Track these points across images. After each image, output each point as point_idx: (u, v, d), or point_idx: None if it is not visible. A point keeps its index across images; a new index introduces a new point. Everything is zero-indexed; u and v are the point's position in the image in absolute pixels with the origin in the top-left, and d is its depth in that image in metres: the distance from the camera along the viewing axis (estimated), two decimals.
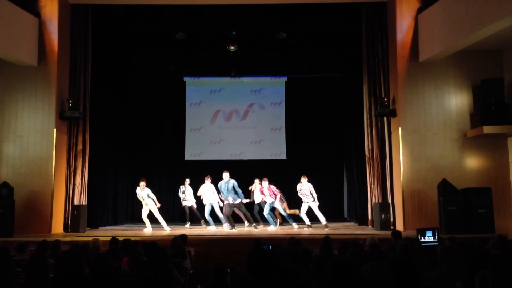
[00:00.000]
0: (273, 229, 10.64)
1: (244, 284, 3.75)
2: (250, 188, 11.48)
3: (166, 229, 10.54)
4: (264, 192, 10.86)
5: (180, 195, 12.07)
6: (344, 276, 1.98)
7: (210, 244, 8.32)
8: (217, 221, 11.23)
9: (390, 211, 10.04)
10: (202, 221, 11.80)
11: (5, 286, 2.76)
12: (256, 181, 11.24)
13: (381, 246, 5.91)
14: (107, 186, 12.36)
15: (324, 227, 10.59)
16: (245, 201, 10.82)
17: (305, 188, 10.73)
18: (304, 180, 10.79)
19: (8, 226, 8.90)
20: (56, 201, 9.91)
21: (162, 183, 13.85)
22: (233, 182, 10.52)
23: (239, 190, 10.53)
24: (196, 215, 11.96)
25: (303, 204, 10.79)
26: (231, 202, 10.48)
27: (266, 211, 10.82)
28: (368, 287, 2.17)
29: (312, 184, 10.94)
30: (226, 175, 10.53)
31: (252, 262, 2.91)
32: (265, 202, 10.93)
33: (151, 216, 10.68)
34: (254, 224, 10.71)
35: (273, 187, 10.91)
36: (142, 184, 10.67)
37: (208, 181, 11.29)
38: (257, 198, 11.26)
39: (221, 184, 10.58)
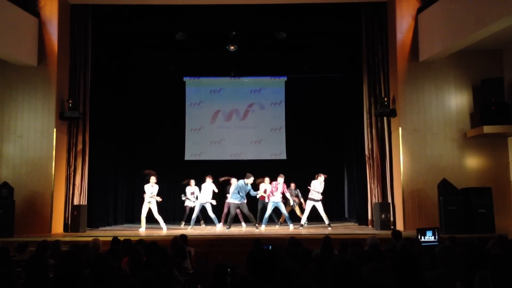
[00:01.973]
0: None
1: (244, 284, 3.75)
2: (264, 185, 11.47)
3: (164, 229, 10.52)
4: (278, 188, 10.87)
5: (187, 196, 12.07)
6: (344, 276, 1.98)
7: (210, 244, 8.32)
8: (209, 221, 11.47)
9: (390, 211, 10.04)
10: (202, 221, 11.86)
11: (8, 285, 2.76)
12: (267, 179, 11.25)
13: (381, 246, 5.91)
14: (107, 186, 12.35)
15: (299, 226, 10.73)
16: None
17: (316, 185, 10.76)
18: (321, 178, 10.78)
19: (8, 226, 8.90)
20: (56, 201, 9.92)
21: (162, 183, 13.78)
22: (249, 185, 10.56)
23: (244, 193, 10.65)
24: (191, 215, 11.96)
25: (310, 202, 10.78)
26: (237, 201, 10.45)
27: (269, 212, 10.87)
28: (368, 287, 2.17)
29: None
30: (251, 178, 10.47)
31: (252, 262, 2.90)
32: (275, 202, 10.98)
33: (149, 215, 10.72)
34: (256, 224, 10.58)
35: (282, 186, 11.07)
36: (153, 179, 10.67)
37: (209, 180, 11.27)
38: (278, 197, 11.04)
39: (241, 184, 10.43)
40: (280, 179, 10.78)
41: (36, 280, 3.30)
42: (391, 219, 10.01)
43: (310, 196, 10.81)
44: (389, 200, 10.27)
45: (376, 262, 3.76)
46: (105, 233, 9.66)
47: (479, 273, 2.70)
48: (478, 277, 2.69)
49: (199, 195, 11.36)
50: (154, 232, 10.08)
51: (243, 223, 11.67)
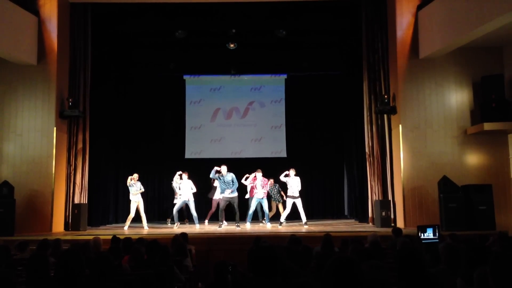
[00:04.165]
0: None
1: (245, 282, 3.75)
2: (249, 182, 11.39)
3: (145, 228, 10.54)
4: (258, 185, 10.91)
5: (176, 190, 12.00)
6: (344, 273, 1.98)
7: (211, 242, 8.33)
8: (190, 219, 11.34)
9: (391, 208, 10.05)
10: (187, 220, 11.82)
11: (8, 286, 2.76)
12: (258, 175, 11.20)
13: (382, 244, 5.91)
14: (107, 185, 12.36)
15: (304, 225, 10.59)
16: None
17: (292, 182, 10.64)
18: (292, 172, 10.74)
19: (8, 225, 8.91)
20: (57, 200, 9.92)
21: (163, 182, 13.86)
22: (231, 175, 10.48)
23: (236, 185, 10.56)
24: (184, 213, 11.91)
25: (289, 200, 10.67)
26: (226, 195, 10.46)
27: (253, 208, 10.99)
28: (368, 285, 2.17)
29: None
30: (224, 168, 10.45)
31: (253, 259, 2.90)
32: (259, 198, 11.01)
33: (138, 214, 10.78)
34: (238, 223, 10.54)
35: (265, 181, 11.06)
36: (136, 176, 10.69)
37: (185, 177, 11.12)
38: (260, 193, 11.05)
39: (227, 178, 10.49)
40: (258, 174, 10.87)
41: (37, 279, 3.31)
42: (392, 216, 10.02)
43: (289, 194, 10.72)
44: (390, 198, 10.28)
45: (377, 259, 3.77)
46: (106, 232, 9.68)
47: (477, 270, 2.69)
48: (477, 274, 2.68)
49: (181, 192, 11.06)
50: (155, 231, 10.10)
51: (206, 221, 11.69)
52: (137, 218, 10.94)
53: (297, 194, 10.60)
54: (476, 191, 9.19)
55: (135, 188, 10.63)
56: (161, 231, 9.89)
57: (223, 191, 10.50)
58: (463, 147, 10.03)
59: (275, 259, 2.86)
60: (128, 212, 10.84)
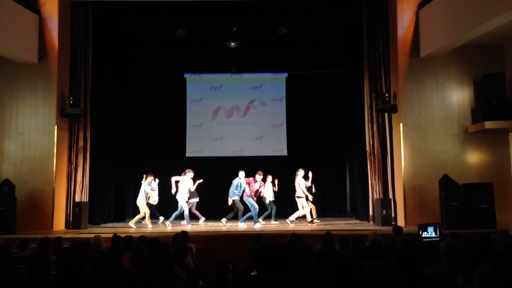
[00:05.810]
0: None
1: (246, 280, 3.75)
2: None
3: (133, 226, 10.54)
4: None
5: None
6: (345, 272, 1.98)
7: (212, 241, 8.34)
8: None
9: (392, 206, 10.05)
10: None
11: (16, 281, 2.76)
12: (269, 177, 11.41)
13: (382, 242, 5.91)
14: (108, 183, 12.36)
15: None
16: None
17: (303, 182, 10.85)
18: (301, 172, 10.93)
19: (9, 223, 8.91)
20: (58, 198, 9.93)
21: (163, 180, 13.83)
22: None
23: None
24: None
25: (303, 199, 10.76)
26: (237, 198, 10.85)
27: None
28: (369, 283, 2.17)
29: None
30: (242, 173, 10.83)
31: (258, 257, 2.89)
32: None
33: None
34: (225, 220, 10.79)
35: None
36: (150, 178, 10.93)
37: (190, 175, 11.18)
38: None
39: (237, 180, 10.82)
40: (259, 177, 10.91)
41: (38, 277, 3.31)
42: (392, 215, 10.01)
43: (300, 194, 10.79)
44: (390, 196, 10.27)
45: (377, 258, 3.77)
46: (107, 230, 9.70)
47: (478, 269, 2.69)
48: (477, 273, 2.68)
49: (180, 190, 10.93)
50: (156, 229, 10.10)
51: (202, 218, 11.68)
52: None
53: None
54: (477, 189, 9.18)
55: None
56: (162, 230, 9.90)
57: (238, 194, 10.87)
58: (464, 145, 10.02)
59: (280, 257, 2.85)
60: (138, 211, 10.97)
